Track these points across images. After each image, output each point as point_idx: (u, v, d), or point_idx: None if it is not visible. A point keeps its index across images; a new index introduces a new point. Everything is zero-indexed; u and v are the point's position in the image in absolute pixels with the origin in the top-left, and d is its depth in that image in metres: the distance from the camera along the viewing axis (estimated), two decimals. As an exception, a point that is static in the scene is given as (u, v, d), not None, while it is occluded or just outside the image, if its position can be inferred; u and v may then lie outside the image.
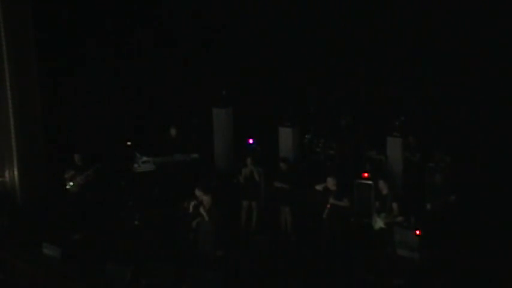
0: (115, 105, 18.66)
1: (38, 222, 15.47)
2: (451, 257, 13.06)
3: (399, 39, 16.47)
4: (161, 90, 19.11)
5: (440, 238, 13.41)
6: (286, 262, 13.68)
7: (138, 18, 19.09)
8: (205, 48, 19.11)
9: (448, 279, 12.53)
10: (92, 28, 18.35)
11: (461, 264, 12.87)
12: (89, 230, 14.97)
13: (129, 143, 17.29)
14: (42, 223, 15.41)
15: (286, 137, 16.73)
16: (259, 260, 13.76)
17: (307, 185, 14.73)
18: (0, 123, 16.40)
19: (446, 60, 16.06)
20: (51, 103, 17.34)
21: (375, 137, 16.30)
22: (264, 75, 18.19)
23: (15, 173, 16.44)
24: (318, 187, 13.67)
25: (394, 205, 13.20)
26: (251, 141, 17.56)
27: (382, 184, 13.46)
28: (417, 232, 13.22)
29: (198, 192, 13.52)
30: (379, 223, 13.30)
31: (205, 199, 13.17)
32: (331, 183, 13.43)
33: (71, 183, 15.12)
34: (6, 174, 16.54)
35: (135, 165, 16.58)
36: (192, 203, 13.51)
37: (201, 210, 13.18)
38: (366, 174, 15.34)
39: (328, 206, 13.35)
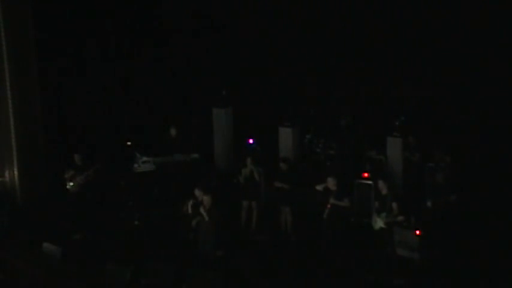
0: (115, 105, 18.66)
1: (38, 222, 15.46)
2: (451, 257, 13.06)
3: (399, 39, 16.47)
4: (161, 90, 19.11)
5: (440, 238, 13.41)
6: (286, 262, 13.68)
7: (138, 18, 19.09)
8: (205, 48, 19.11)
9: (448, 279, 12.53)
10: (92, 28, 18.35)
11: (461, 264, 12.87)
12: (89, 230, 14.97)
13: (129, 143, 17.29)
14: (42, 223, 15.40)
15: (286, 137, 16.73)
16: (259, 260, 13.76)
17: (307, 185, 14.74)
18: (0, 123, 16.39)
19: (446, 60, 16.06)
20: (51, 103, 17.34)
21: (375, 137, 16.30)
22: (264, 75, 18.19)
23: (15, 173, 16.42)
24: (318, 187, 13.67)
25: (394, 205, 13.19)
26: (251, 141, 17.56)
27: (381, 184, 13.45)
28: (417, 232, 13.22)
29: (197, 192, 13.53)
30: (379, 223, 13.29)
31: (205, 199, 13.17)
32: (331, 183, 13.43)
33: (71, 183, 15.12)
34: (6, 174, 16.53)
35: (135, 165, 16.58)
36: (190, 203, 13.50)
37: (201, 210, 13.18)
38: (366, 174, 15.34)
39: (329, 206, 13.35)
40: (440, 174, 13.94)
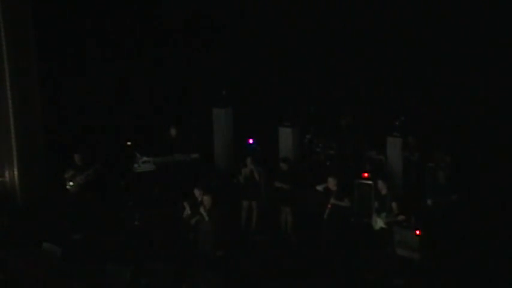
0: (115, 105, 18.66)
1: (38, 222, 15.46)
2: (451, 257, 13.06)
3: (399, 39, 16.47)
4: (161, 90, 19.11)
5: (440, 238, 13.40)
6: (286, 262, 13.68)
7: (138, 18, 19.08)
8: (205, 48, 19.11)
9: (448, 279, 12.53)
10: (92, 28, 18.35)
11: (461, 264, 12.87)
12: (89, 230, 14.97)
13: (129, 143, 17.28)
14: (42, 223, 15.40)
15: (286, 137, 16.74)
16: (259, 260, 13.76)
17: (307, 185, 14.74)
18: (0, 123, 16.39)
19: (446, 60, 16.06)
20: (51, 103, 17.33)
21: (375, 137, 16.31)
22: (264, 75, 18.19)
23: (15, 173, 16.42)
24: (319, 187, 13.67)
25: (394, 205, 13.19)
26: (251, 141, 17.55)
27: (381, 184, 13.45)
28: (417, 232, 13.22)
29: (197, 192, 13.52)
30: (379, 223, 13.29)
31: (205, 199, 13.17)
32: (332, 183, 13.43)
33: (71, 183, 15.12)
34: (6, 174, 16.53)
35: (135, 165, 16.57)
36: (190, 203, 13.50)
37: (201, 210, 13.18)
38: (366, 174, 15.34)
39: (329, 206, 13.34)
40: (441, 174, 13.92)
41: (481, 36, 15.46)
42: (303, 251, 14.10)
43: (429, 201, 13.77)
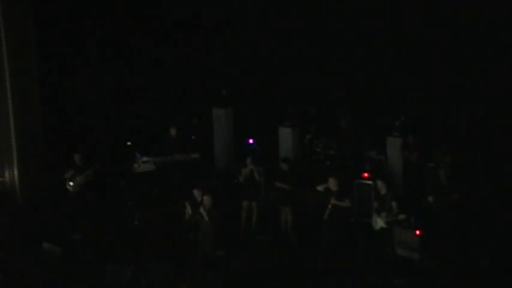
0: (115, 105, 18.65)
1: (38, 222, 15.46)
2: (451, 257, 13.06)
3: (399, 39, 16.47)
4: (161, 90, 19.11)
5: (440, 238, 13.40)
6: (286, 262, 13.68)
7: (138, 18, 19.08)
8: (205, 48, 19.11)
9: (448, 279, 12.53)
10: (92, 28, 18.35)
11: (461, 264, 12.87)
12: (89, 230, 14.97)
13: (129, 143, 17.29)
14: (42, 223, 15.40)
15: (286, 137, 16.75)
16: (259, 260, 13.76)
17: (307, 185, 14.74)
18: (0, 123, 16.39)
19: (446, 60, 16.06)
20: (51, 103, 17.33)
21: (375, 137, 16.31)
22: (264, 75, 18.19)
23: (15, 173, 16.42)
24: (319, 187, 13.65)
25: (394, 204, 13.19)
26: (251, 141, 17.56)
27: (380, 184, 13.45)
28: (417, 232, 13.22)
29: (196, 192, 13.52)
30: (379, 223, 13.29)
31: (205, 199, 13.16)
32: (332, 183, 13.41)
33: (71, 183, 15.12)
34: (6, 174, 16.53)
35: (135, 165, 16.56)
36: (190, 203, 13.50)
37: (201, 210, 13.18)
38: (366, 174, 15.35)
39: (330, 206, 13.34)
40: (443, 173, 13.89)
41: (481, 36, 15.45)
42: (303, 251, 14.10)
43: (430, 199, 13.73)
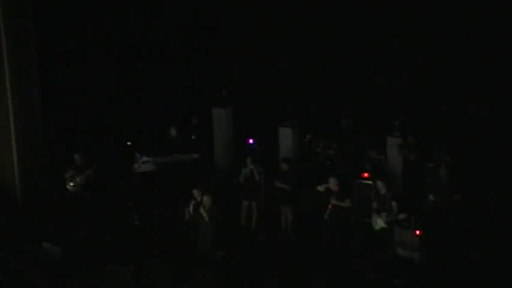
0: (115, 105, 18.66)
1: (38, 222, 15.46)
2: (451, 257, 13.05)
3: (399, 39, 16.47)
4: (161, 90, 19.12)
5: (441, 238, 13.40)
6: (286, 262, 13.68)
7: (138, 18, 19.09)
8: (205, 48, 19.12)
9: (448, 279, 12.53)
10: (92, 28, 18.35)
11: (461, 264, 12.87)
12: (89, 230, 14.97)
13: (129, 143, 17.30)
14: (42, 223, 15.40)
15: (286, 137, 16.76)
16: (259, 260, 13.76)
17: (307, 185, 14.73)
18: (0, 123, 16.39)
19: (446, 60, 16.06)
20: (51, 103, 17.34)
21: (375, 137, 16.31)
22: (264, 75, 18.19)
23: (15, 173, 16.42)
24: (320, 188, 13.64)
25: (394, 204, 13.19)
26: (251, 141, 17.56)
27: (380, 184, 13.44)
28: (417, 232, 13.22)
29: (196, 193, 13.51)
30: (379, 223, 13.28)
31: (205, 199, 13.16)
32: (333, 183, 13.40)
33: (71, 183, 15.12)
34: (6, 174, 16.52)
35: (135, 165, 16.57)
36: (192, 203, 13.50)
37: (201, 210, 13.18)
38: (366, 174, 15.35)
39: (330, 206, 13.33)
40: (443, 172, 13.88)
41: (481, 36, 15.45)
42: (303, 251, 14.10)
43: (431, 197, 13.71)
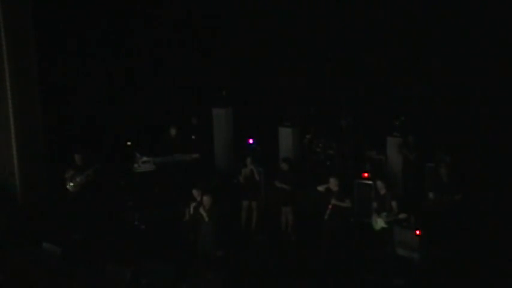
0: (115, 105, 18.66)
1: (38, 222, 15.46)
2: (451, 257, 13.06)
3: (399, 39, 16.47)
4: (161, 90, 19.12)
5: (440, 238, 13.40)
6: (286, 262, 13.68)
7: (138, 18, 19.09)
8: (205, 48, 19.11)
9: (448, 279, 12.52)
10: (92, 28, 18.35)
11: (461, 264, 12.87)
12: (89, 230, 14.97)
13: (129, 143, 17.30)
14: (42, 223, 15.40)
15: (286, 137, 16.75)
16: (259, 260, 13.76)
17: (308, 185, 14.73)
18: (0, 123, 16.39)
19: (446, 60, 16.05)
20: (51, 103, 17.34)
21: (375, 137, 16.31)
22: (263, 75, 18.19)
23: (15, 173, 16.42)
24: (320, 188, 13.64)
25: (394, 204, 13.19)
26: (251, 141, 17.56)
27: (380, 184, 13.42)
28: (417, 232, 13.22)
29: (195, 193, 13.51)
30: (380, 223, 13.27)
31: (205, 199, 13.15)
32: (333, 183, 13.39)
33: (71, 183, 15.12)
34: (6, 174, 16.52)
35: (135, 165, 16.57)
36: (193, 204, 13.49)
37: (201, 210, 13.17)
38: (366, 174, 15.35)
39: (330, 206, 13.33)
40: (444, 172, 13.88)
41: (481, 36, 15.45)
42: (303, 251, 14.10)
43: (431, 195, 13.70)
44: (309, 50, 17.74)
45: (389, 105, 16.55)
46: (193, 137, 17.75)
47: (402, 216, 13.18)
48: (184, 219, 13.76)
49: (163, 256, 13.34)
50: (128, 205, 15.74)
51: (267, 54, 18.10)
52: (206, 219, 13.11)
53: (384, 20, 16.63)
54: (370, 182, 14.84)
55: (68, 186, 15.15)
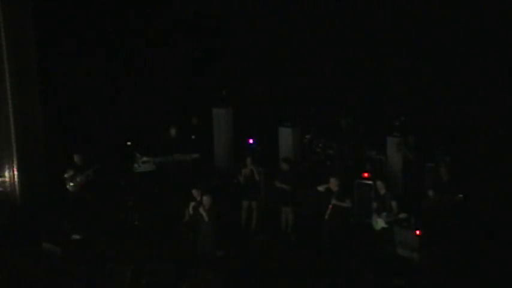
0: (115, 105, 18.65)
1: (38, 222, 15.46)
2: (451, 257, 13.06)
3: (399, 39, 16.47)
4: (161, 90, 19.11)
5: (441, 238, 13.40)
6: (286, 262, 13.68)
7: (138, 18, 19.08)
8: (205, 48, 19.11)
9: (448, 279, 12.53)
10: (92, 28, 18.34)
11: (461, 264, 12.87)
12: (89, 230, 14.97)
13: (129, 143, 17.29)
14: (42, 223, 15.40)
15: (286, 137, 16.75)
16: (259, 260, 13.76)
17: (308, 185, 14.73)
18: (0, 123, 16.39)
19: (446, 60, 16.06)
20: (51, 103, 17.34)
21: (375, 137, 16.31)
22: (263, 75, 18.19)
23: (15, 173, 16.42)
24: (320, 188, 13.64)
25: (394, 204, 13.19)
26: (251, 141, 17.57)
27: (379, 184, 13.44)
28: (417, 232, 13.22)
29: (195, 193, 13.51)
30: (380, 223, 13.28)
31: (205, 199, 13.16)
32: (333, 183, 13.40)
33: (71, 183, 15.12)
34: (6, 174, 16.52)
35: (135, 165, 16.57)
36: (192, 204, 13.49)
37: (201, 210, 13.17)
38: (366, 174, 15.35)
39: (330, 206, 13.33)
40: (444, 171, 13.88)
41: (481, 36, 15.46)
42: (303, 251, 14.10)
43: (430, 193, 13.69)
44: (309, 50, 17.74)
45: (389, 105, 16.55)
46: (193, 137, 17.74)
47: (402, 216, 13.19)
48: (184, 219, 13.77)
49: (163, 256, 13.34)
50: (128, 205, 15.73)
51: (267, 54, 18.09)
52: (206, 219, 13.12)
53: (384, 20, 16.63)
54: (370, 182, 14.84)
55: (68, 186, 15.15)
